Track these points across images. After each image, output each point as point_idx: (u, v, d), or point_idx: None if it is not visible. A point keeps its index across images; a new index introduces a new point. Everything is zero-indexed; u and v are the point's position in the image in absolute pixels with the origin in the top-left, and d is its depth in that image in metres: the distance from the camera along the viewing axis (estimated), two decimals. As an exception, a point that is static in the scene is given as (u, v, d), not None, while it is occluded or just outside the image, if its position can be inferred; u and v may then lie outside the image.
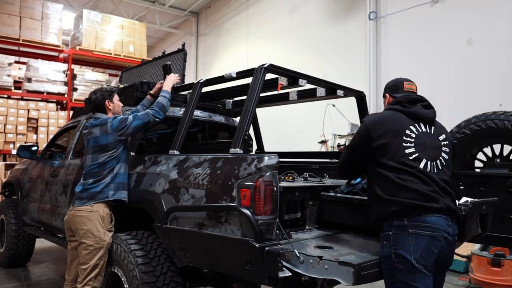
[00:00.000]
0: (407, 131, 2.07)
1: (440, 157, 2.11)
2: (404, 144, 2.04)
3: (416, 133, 2.09)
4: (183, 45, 4.25)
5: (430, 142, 2.11)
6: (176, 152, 2.72)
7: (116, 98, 3.09)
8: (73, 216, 2.77)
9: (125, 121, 2.83)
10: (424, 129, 2.13)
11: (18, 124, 8.21)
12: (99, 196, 2.75)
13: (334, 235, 2.42)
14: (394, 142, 2.03)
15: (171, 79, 3.16)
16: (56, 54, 9.63)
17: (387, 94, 2.35)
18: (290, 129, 8.91)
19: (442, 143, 2.17)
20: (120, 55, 9.85)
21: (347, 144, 2.31)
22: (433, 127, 2.18)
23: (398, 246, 1.89)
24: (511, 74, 5.46)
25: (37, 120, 8.47)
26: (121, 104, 3.16)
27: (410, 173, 1.98)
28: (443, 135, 2.21)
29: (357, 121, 3.55)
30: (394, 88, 2.32)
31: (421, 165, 2.01)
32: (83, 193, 2.78)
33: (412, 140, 2.06)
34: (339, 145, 6.89)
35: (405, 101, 2.17)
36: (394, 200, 1.95)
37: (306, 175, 2.96)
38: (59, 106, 9.40)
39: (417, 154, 2.03)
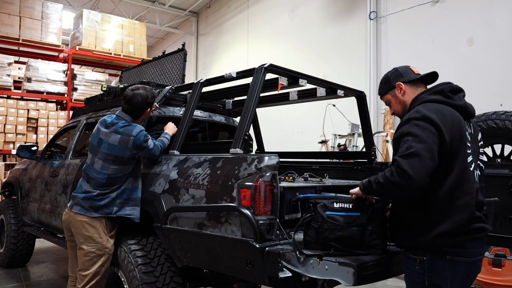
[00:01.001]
0: (466, 133, 1.76)
1: (479, 162, 1.84)
2: (467, 151, 1.73)
3: (469, 135, 1.79)
4: (183, 45, 4.25)
5: (475, 147, 1.81)
6: (176, 152, 2.72)
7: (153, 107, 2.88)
8: (74, 219, 2.63)
9: (147, 141, 2.64)
10: (470, 129, 1.82)
11: (18, 124, 8.21)
12: (103, 210, 2.60)
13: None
14: (460, 147, 1.71)
15: (173, 128, 2.98)
16: (56, 54, 9.63)
17: (399, 83, 1.93)
18: (290, 129, 8.91)
19: (480, 145, 1.88)
20: (120, 55, 9.85)
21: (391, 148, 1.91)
22: (472, 125, 1.87)
23: (433, 274, 1.70)
24: (512, 74, 5.46)
25: (37, 120, 8.47)
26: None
27: (466, 189, 1.69)
28: (479, 134, 1.90)
29: (358, 121, 3.55)
30: (405, 73, 1.95)
31: (476, 178, 1.75)
32: (86, 202, 2.62)
33: (469, 145, 1.76)
34: (339, 145, 6.88)
35: (448, 91, 1.81)
36: (440, 223, 1.67)
37: (306, 175, 2.95)
38: (59, 106, 9.40)
39: (473, 164, 1.75)
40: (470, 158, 1.74)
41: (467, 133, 1.77)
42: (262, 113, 4.42)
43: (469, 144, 1.76)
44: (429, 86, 1.96)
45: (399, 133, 1.75)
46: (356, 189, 1.93)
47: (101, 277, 2.62)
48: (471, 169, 1.75)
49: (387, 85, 2.00)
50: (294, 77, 2.68)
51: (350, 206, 1.99)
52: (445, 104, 1.78)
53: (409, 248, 1.81)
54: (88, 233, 2.58)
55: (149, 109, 2.79)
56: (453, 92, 1.82)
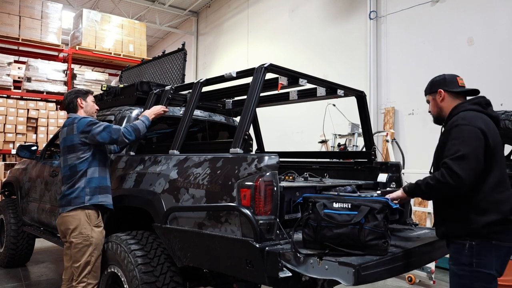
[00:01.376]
0: (500, 139, 2.11)
1: None
2: (503, 153, 2.10)
3: (505, 141, 2.21)
4: (183, 44, 4.24)
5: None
6: (176, 152, 2.72)
7: (90, 98, 3.03)
8: (61, 218, 2.79)
9: (93, 125, 2.76)
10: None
11: (18, 124, 8.21)
12: (75, 202, 2.73)
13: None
14: (498, 149, 2.04)
15: (156, 109, 3.01)
16: (55, 53, 9.62)
17: (441, 90, 2.21)
18: (290, 129, 8.91)
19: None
20: (120, 55, 9.85)
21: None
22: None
23: (481, 257, 1.94)
24: (512, 74, 5.46)
25: (36, 119, 8.47)
26: (96, 107, 3.08)
27: (507, 185, 2.01)
28: None
29: (358, 121, 3.55)
30: (450, 83, 2.22)
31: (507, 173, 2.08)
32: (62, 200, 2.79)
33: (502, 152, 2.13)
34: (339, 145, 6.88)
35: (484, 103, 2.14)
36: (488, 214, 1.94)
37: (306, 175, 2.95)
38: (58, 106, 9.39)
39: (504, 162, 2.07)
40: (504, 158, 2.07)
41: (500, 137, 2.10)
42: (262, 113, 4.42)
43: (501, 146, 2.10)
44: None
45: (447, 136, 2.04)
46: (399, 193, 2.20)
47: (92, 267, 2.67)
48: (505, 167, 2.06)
49: (431, 88, 2.31)
50: (294, 77, 2.68)
51: (349, 206, 2.02)
52: (482, 113, 2.09)
53: (458, 235, 2.03)
54: (72, 226, 2.71)
55: (79, 99, 2.95)
56: (487, 105, 2.15)
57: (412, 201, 5.96)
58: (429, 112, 2.36)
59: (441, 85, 2.24)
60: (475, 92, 2.22)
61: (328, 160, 3.92)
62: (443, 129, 2.21)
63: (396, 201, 2.19)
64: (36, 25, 8.71)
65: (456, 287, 2.03)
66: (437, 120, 2.31)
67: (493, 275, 1.95)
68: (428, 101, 2.35)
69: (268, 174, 2.06)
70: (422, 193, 2.10)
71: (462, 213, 2.00)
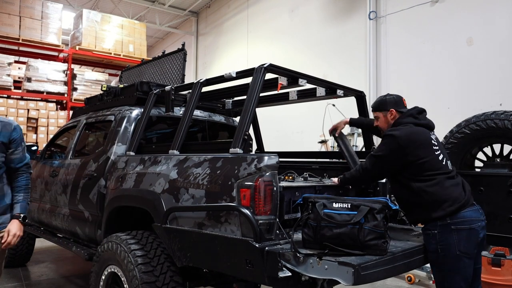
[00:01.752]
0: (432, 141, 2.40)
1: (447, 155, 2.47)
2: (435, 153, 2.34)
3: (435, 140, 2.43)
4: (183, 44, 4.25)
5: (440, 145, 2.47)
6: (176, 152, 2.72)
7: None
8: None
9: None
10: (434, 135, 2.47)
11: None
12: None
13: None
14: (428, 152, 2.32)
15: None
16: (56, 53, 9.63)
17: (392, 110, 2.54)
18: (290, 129, 8.91)
19: (442, 143, 2.55)
20: (120, 55, 9.85)
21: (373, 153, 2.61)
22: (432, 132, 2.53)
23: (443, 242, 2.22)
24: (511, 74, 5.46)
25: (36, 119, 8.47)
26: None
27: (446, 176, 2.30)
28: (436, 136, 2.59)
29: (357, 121, 3.54)
30: (398, 103, 2.56)
31: (449, 166, 2.37)
32: None
33: (437, 147, 2.39)
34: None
35: (416, 113, 2.47)
36: (438, 205, 2.24)
37: (306, 175, 2.96)
38: (59, 106, 9.40)
39: (442, 157, 2.37)
40: (440, 157, 2.36)
41: (432, 140, 2.42)
42: (262, 113, 4.42)
43: (435, 147, 2.38)
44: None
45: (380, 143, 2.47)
46: (334, 180, 2.73)
47: None
48: (443, 163, 2.36)
49: (383, 106, 2.59)
50: (293, 77, 2.68)
51: (349, 206, 2.03)
52: (418, 125, 2.42)
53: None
54: None
55: None
56: (419, 113, 2.49)
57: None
58: (376, 126, 2.67)
59: (391, 105, 2.55)
60: (422, 110, 2.56)
61: (327, 160, 3.92)
62: None
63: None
64: (36, 26, 8.72)
65: (434, 273, 2.33)
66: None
67: (458, 255, 2.20)
68: (376, 117, 2.64)
69: (267, 174, 2.06)
70: (347, 182, 2.65)
71: (419, 205, 2.32)
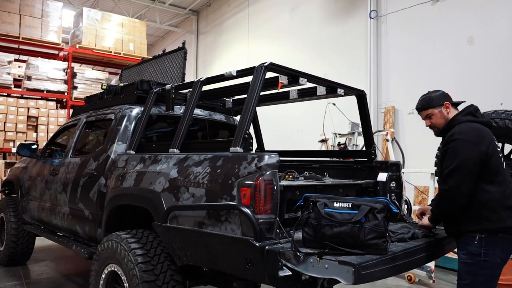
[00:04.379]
0: (496, 142, 2.33)
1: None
2: (499, 156, 2.29)
3: (496, 141, 2.34)
4: (183, 43, 4.24)
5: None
6: (176, 150, 2.72)
7: None
8: None
9: None
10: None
11: (18, 122, 8.21)
12: None
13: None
14: (496, 155, 2.27)
15: None
16: (56, 52, 9.62)
17: (448, 103, 2.45)
18: (290, 128, 8.91)
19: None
20: (120, 53, 9.84)
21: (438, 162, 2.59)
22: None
23: (488, 248, 2.20)
24: (512, 73, 5.46)
25: (37, 118, 8.47)
26: None
27: (506, 183, 2.27)
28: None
29: (358, 120, 3.55)
30: (448, 96, 2.49)
31: (508, 173, 2.32)
32: None
33: (499, 150, 2.33)
34: (339, 144, 6.88)
35: (474, 111, 2.40)
36: (495, 215, 2.21)
37: (306, 174, 2.95)
38: (59, 105, 9.39)
39: (503, 162, 2.31)
40: (502, 160, 2.31)
41: (495, 141, 2.33)
42: (262, 112, 4.42)
43: (499, 149, 2.33)
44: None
45: (446, 149, 2.32)
46: (426, 222, 2.52)
47: None
48: (504, 168, 2.32)
49: (435, 102, 2.48)
50: (294, 76, 2.68)
51: (349, 205, 2.03)
52: (479, 123, 2.34)
53: (470, 230, 2.30)
54: None
55: None
56: (476, 111, 2.40)
57: (411, 200, 5.97)
58: (429, 126, 2.54)
59: (444, 98, 2.46)
60: (463, 102, 2.53)
61: (328, 159, 3.92)
62: (442, 139, 2.46)
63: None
64: (37, 24, 8.71)
65: (464, 274, 2.27)
66: (442, 131, 2.48)
67: (498, 263, 2.22)
68: (429, 115, 2.50)
69: (268, 173, 2.06)
70: (441, 216, 2.41)
71: (472, 213, 2.25)
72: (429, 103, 2.49)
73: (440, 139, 2.56)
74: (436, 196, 2.42)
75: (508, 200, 2.24)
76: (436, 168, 3.54)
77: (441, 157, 2.39)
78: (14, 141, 8.10)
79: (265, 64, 2.42)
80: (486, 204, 2.23)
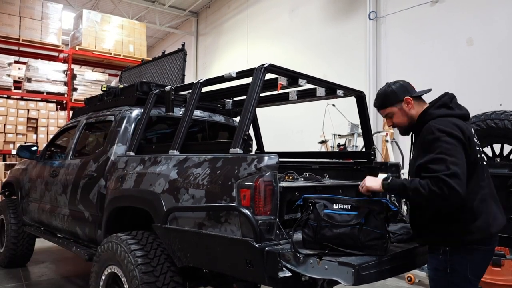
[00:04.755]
0: (474, 139, 1.96)
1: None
2: (478, 156, 1.94)
3: (475, 138, 1.99)
4: (183, 45, 4.25)
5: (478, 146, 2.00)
6: (176, 152, 2.72)
7: None
8: None
9: None
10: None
11: (18, 124, 8.21)
12: None
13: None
14: (474, 153, 1.91)
15: None
16: (56, 54, 9.63)
17: (408, 98, 2.06)
18: (290, 129, 8.91)
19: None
20: (120, 55, 9.85)
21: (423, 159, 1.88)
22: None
23: (455, 262, 1.88)
24: (511, 74, 5.46)
25: (37, 120, 8.47)
26: None
27: (484, 191, 1.92)
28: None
29: (357, 121, 3.56)
30: (410, 89, 2.11)
31: (486, 174, 1.97)
32: None
33: (478, 148, 1.97)
34: (339, 145, 6.88)
35: (449, 102, 2.01)
36: (467, 229, 1.87)
37: (306, 175, 2.96)
38: (59, 106, 9.40)
39: (481, 162, 1.96)
40: (480, 161, 1.96)
41: (474, 138, 1.97)
42: (262, 113, 4.42)
43: (477, 148, 1.97)
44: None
45: (427, 148, 1.87)
46: (376, 186, 2.02)
47: None
48: (483, 169, 1.96)
49: (393, 98, 2.09)
50: (293, 77, 2.68)
51: (349, 207, 2.03)
52: (454, 116, 1.96)
53: (435, 243, 2.00)
54: None
55: None
56: (451, 100, 2.03)
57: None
58: (392, 125, 2.17)
59: (405, 93, 2.08)
60: (428, 91, 2.12)
61: (327, 160, 3.92)
62: (413, 137, 2.14)
63: (369, 193, 2.08)
64: (36, 26, 8.72)
65: None
66: (408, 130, 2.13)
67: (469, 278, 1.88)
68: (389, 115, 2.13)
69: (268, 174, 2.06)
70: (406, 196, 1.97)
71: (438, 223, 1.93)
72: (385, 101, 2.12)
73: None
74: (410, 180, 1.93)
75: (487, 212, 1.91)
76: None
77: (416, 158, 1.97)
78: (14, 142, 8.10)
79: (265, 66, 2.43)
80: (455, 214, 1.89)
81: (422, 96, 2.14)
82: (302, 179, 2.88)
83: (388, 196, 3.03)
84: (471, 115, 3.29)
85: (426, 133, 1.92)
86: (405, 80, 2.18)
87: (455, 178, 1.74)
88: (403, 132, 2.17)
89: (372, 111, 7.01)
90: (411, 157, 2.11)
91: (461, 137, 1.85)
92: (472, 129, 2.02)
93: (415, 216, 2.06)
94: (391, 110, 2.12)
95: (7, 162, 8.28)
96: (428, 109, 2.03)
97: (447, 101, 2.02)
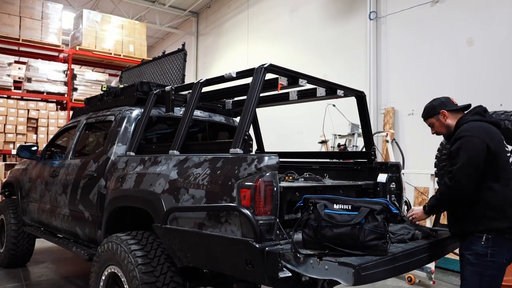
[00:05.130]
0: (504, 140, 2.34)
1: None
2: (507, 155, 2.29)
3: (505, 141, 2.35)
4: (183, 45, 4.25)
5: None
6: (176, 152, 2.72)
7: None
8: None
9: None
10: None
11: (18, 124, 8.21)
12: None
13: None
14: (504, 154, 2.28)
15: None
16: (56, 54, 9.63)
17: (443, 111, 2.50)
18: (290, 129, 8.91)
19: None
20: (120, 55, 9.85)
21: (441, 160, 2.92)
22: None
23: (495, 248, 2.21)
24: (511, 74, 5.46)
25: (37, 120, 8.47)
26: None
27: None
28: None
29: (357, 121, 3.56)
30: (447, 103, 2.53)
31: None
32: None
33: (508, 149, 2.33)
34: (339, 145, 6.89)
35: (482, 111, 2.41)
36: (504, 215, 2.22)
37: (306, 175, 2.96)
38: (59, 106, 9.40)
39: (507, 161, 2.28)
40: (509, 154, 2.32)
41: (503, 140, 2.34)
42: (262, 113, 4.42)
43: (506, 148, 2.34)
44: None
45: (453, 146, 2.31)
46: (420, 214, 2.55)
47: None
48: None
49: (432, 111, 2.56)
50: (293, 77, 2.68)
51: (349, 207, 2.03)
52: (486, 122, 2.35)
53: (476, 231, 2.31)
54: None
55: None
56: (485, 112, 2.43)
57: (411, 201, 5.97)
58: (435, 133, 2.61)
59: (441, 107, 2.52)
60: (469, 106, 2.52)
61: (328, 160, 3.92)
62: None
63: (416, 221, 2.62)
64: (37, 26, 8.72)
65: (470, 274, 2.27)
66: (449, 137, 2.50)
67: (504, 263, 2.23)
68: (431, 124, 2.59)
69: (268, 174, 2.06)
70: (438, 208, 2.46)
71: (477, 212, 2.25)
72: (427, 113, 2.60)
73: (438, 139, 2.60)
74: (437, 191, 2.45)
75: None
76: (435, 169, 3.54)
77: (448, 154, 2.39)
78: (14, 142, 8.10)
79: (265, 66, 2.43)
80: (492, 204, 2.23)
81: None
82: (302, 179, 2.88)
83: (388, 196, 3.04)
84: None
85: (457, 133, 2.34)
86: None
87: (461, 169, 2.20)
88: (446, 138, 2.65)
89: (372, 111, 7.02)
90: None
91: (485, 138, 2.22)
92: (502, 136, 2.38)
93: (454, 209, 2.39)
94: (431, 121, 2.59)
95: (7, 162, 8.29)
96: (464, 116, 2.45)
97: (481, 110, 2.43)
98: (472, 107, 2.50)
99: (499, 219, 2.22)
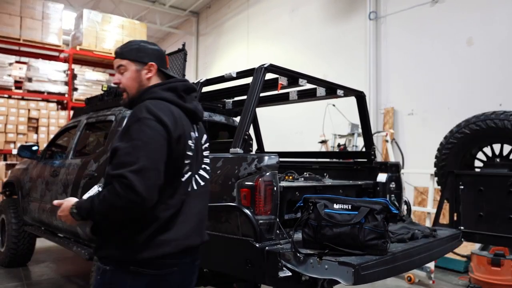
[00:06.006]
0: (189, 141, 1.60)
1: (201, 171, 1.69)
2: (184, 161, 1.58)
3: (195, 140, 1.65)
4: (184, 45, 4.25)
5: (198, 152, 1.70)
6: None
7: None
8: None
9: None
10: (197, 133, 1.71)
11: (19, 124, 8.22)
12: None
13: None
14: (180, 152, 1.56)
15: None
16: (56, 54, 9.63)
17: (152, 64, 1.65)
18: (290, 129, 8.92)
19: (205, 148, 1.78)
20: (120, 55, 9.84)
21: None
22: (198, 127, 1.74)
23: (112, 285, 1.56)
24: (511, 74, 5.47)
25: (37, 119, 8.48)
26: None
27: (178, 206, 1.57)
28: (205, 136, 1.81)
29: (357, 121, 3.57)
30: (162, 59, 1.71)
31: (189, 188, 1.61)
32: None
33: (191, 153, 1.61)
34: (339, 145, 6.89)
35: (182, 90, 1.63)
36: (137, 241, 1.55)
37: (306, 174, 2.96)
38: (59, 106, 9.41)
39: (189, 173, 1.61)
40: (186, 167, 1.59)
41: (190, 141, 1.61)
42: (262, 113, 4.43)
43: (189, 153, 1.60)
44: None
45: (126, 129, 1.49)
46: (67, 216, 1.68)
47: None
48: (184, 179, 1.59)
49: (138, 54, 1.66)
50: (293, 77, 2.69)
51: (349, 207, 2.04)
52: (177, 105, 1.59)
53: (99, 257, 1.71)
54: None
55: None
56: (186, 92, 1.65)
57: (411, 200, 5.98)
58: (115, 84, 1.71)
59: (157, 59, 1.68)
60: (192, 88, 1.73)
61: (328, 160, 3.93)
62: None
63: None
64: (37, 26, 8.72)
65: None
66: (132, 103, 1.66)
67: None
68: (119, 66, 1.67)
69: (268, 174, 2.07)
70: (93, 216, 1.70)
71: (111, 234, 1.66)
72: (129, 53, 1.66)
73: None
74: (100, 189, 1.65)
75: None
76: (435, 169, 3.55)
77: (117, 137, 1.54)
78: (15, 142, 8.11)
79: (265, 66, 2.43)
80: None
81: None
82: (302, 179, 2.89)
83: (387, 196, 3.04)
84: (471, 115, 3.33)
85: (134, 111, 1.56)
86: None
87: (142, 175, 1.41)
88: (126, 102, 1.73)
89: (372, 111, 7.02)
90: None
91: (171, 131, 1.51)
92: (195, 133, 1.71)
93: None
94: (127, 65, 1.68)
95: (8, 162, 8.29)
96: (154, 87, 1.64)
97: (180, 87, 1.65)
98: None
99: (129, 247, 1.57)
